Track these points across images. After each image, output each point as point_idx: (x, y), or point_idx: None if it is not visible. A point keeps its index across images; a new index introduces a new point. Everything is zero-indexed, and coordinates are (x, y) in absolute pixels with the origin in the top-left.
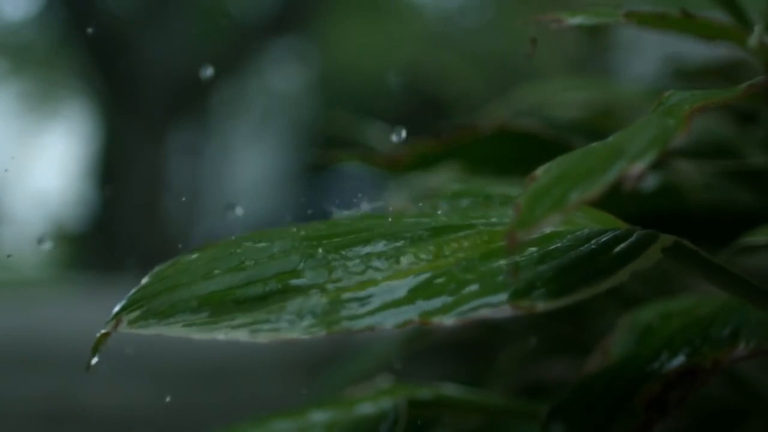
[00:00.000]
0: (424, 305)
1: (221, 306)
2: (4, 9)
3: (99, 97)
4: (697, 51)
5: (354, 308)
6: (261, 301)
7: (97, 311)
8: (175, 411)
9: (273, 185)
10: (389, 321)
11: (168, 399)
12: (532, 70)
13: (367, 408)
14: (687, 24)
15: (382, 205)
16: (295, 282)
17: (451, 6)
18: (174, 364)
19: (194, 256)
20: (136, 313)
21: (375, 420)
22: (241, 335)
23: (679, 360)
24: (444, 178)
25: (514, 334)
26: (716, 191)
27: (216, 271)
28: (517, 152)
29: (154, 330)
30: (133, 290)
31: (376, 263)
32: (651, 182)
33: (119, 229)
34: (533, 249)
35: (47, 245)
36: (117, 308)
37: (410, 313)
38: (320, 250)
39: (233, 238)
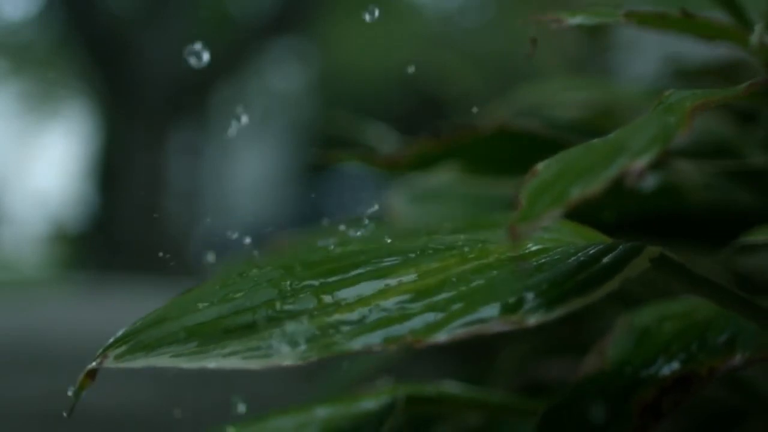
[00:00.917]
0: (414, 323)
1: (210, 336)
2: (4, 9)
3: (99, 97)
4: (697, 51)
5: (345, 330)
6: (251, 328)
7: (97, 311)
8: (174, 411)
9: (273, 185)
10: (380, 341)
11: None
12: (532, 70)
13: (366, 404)
14: (687, 24)
15: (379, 209)
16: (284, 308)
17: (451, 6)
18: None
19: (182, 295)
20: (123, 348)
21: (374, 414)
22: (233, 363)
23: (675, 366)
24: (444, 178)
25: (514, 334)
26: (716, 191)
27: (203, 304)
28: (517, 152)
29: (142, 363)
30: (121, 331)
31: (365, 286)
32: (651, 182)
33: (119, 229)
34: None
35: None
36: (103, 347)
37: (401, 331)
38: (308, 277)
39: (218, 273)
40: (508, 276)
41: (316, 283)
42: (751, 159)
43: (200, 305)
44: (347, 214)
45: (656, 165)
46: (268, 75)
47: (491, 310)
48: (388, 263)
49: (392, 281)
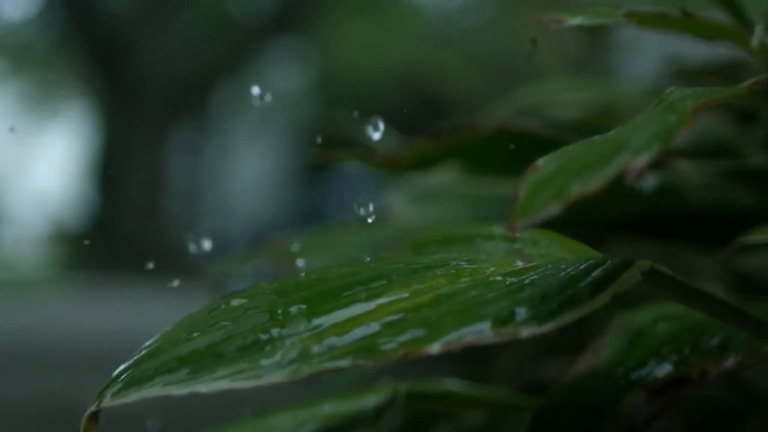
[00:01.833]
0: (406, 337)
1: (201, 362)
2: (4, 9)
3: (99, 97)
4: (697, 51)
5: (336, 347)
6: (241, 352)
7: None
8: (174, 410)
9: (273, 185)
10: (371, 355)
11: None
12: (532, 70)
13: (367, 401)
14: (687, 24)
15: (377, 209)
16: (275, 332)
17: (451, 6)
18: None
19: (176, 325)
20: (119, 385)
21: (373, 409)
22: (222, 385)
23: (667, 368)
24: (444, 178)
25: None
26: (716, 191)
27: (195, 334)
28: (517, 152)
29: (135, 396)
30: (119, 369)
31: (357, 307)
32: (651, 182)
33: (119, 229)
34: (513, 279)
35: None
36: (102, 387)
37: (393, 345)
38: (298, 301)
39: (208, 304)
40: (500, 292)
41: (306, 306)
42: (751, 159)
43: (193, 334)
44: (347, 214)
45: (656, 165)
46: (268, 75)
47: (484, 323)
48: (379, 284)
49: (384, 300)
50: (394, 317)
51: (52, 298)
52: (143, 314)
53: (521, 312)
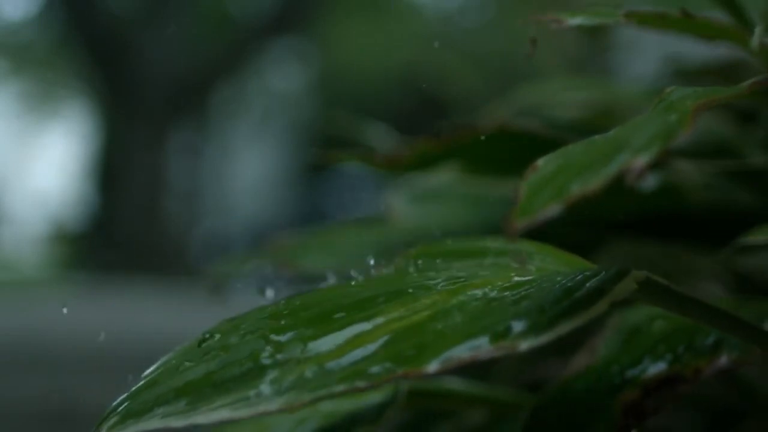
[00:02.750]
0: (405, 356)
1: (199, 392)
2: (4, 9)
3: (99, 97)
4: (697, 51)
5: (334, 371)
6: (239, 381)
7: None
8: None
9: (273, 185)
10: (370, 377)
11: None
12: (532, 70)
13: (367, 400)
14: (687, 24)
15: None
16: (270, 358)
17: (451, 6)
18: None
19: (172, 356)
20: (115, 419)
21: (374, 408)
22: (222, 415)
23: (661, 366)
24: (444, 178)
25: None
26: (716, 191)
27: (190, 364)
28: (517, 152)
29: (133, 428)
30: (115, 401)
31: (351, 328)
32: (651, 182)
33: (119, 230)
34: (509, 293)
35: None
36: (99, 420)
37: (390, 366)
38: (294, 325)
39: (202, 333)
40: (497, 306)
41: (301, 330)
42: (751, 159)
43: (188, 364)
44: (347, 214)
45: (656, 165)
46: (268, 75)
47: (482, 338)
48: (374, 304)
49: (380, 320)
50: (391, 337)
51: (52, 298)
52: (143, 314)
53: (518, 325)
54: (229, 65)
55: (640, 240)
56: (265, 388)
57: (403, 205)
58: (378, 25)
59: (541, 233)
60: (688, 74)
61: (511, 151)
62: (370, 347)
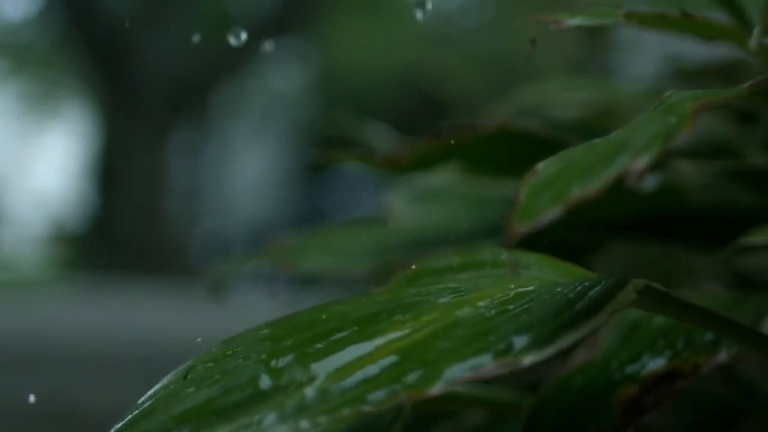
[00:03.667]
0: (408, 379)
1: (200, 420)
2: (4, 9)
3: (99, 97)
4: (697, 51)
5: (337, 395)
6: (240, 407)
7: (97, 311)
8: None
9: (273, 185)
10: (374, 401)
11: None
12: (532, 70)
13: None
14: (687, 24)
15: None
16: (272, 383)
17: (451, 6)
18: (174, 364)
19: (170, 381)
20: None
21: (380, 426)
22: None
23: (659, 363)
24: (444, 178)
25: None
26: (716, 191)
27: (189, 389)
28: (517, 152)
29: None
30: (115, 427)
31: (352, 349)
32: (651, 182)
33: (119, 230)
34: (509, 307)
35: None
36: None
37: (394, 389)
38: (294, 347)
39: (201, 354)
40: (498, 321)
41: (301, 352)
42: (751, 159)
43: (188, 390)
44: (347, 214)
45: (656, 165)
46: (268, 75)
47: (485, 356)
48: (374, 323)
49: (381, 341)
50: (392, 359)
51: (52, 298)
52: (143, 314)
53: (520, 340)
54: (229, 65)
55: (641, 240)
56: (267, 414)
57: (403, 205)
58: (378, 25)
59: (541, 235)
60: (688, 74)
61: (511, 151)
62: (372, 369)
